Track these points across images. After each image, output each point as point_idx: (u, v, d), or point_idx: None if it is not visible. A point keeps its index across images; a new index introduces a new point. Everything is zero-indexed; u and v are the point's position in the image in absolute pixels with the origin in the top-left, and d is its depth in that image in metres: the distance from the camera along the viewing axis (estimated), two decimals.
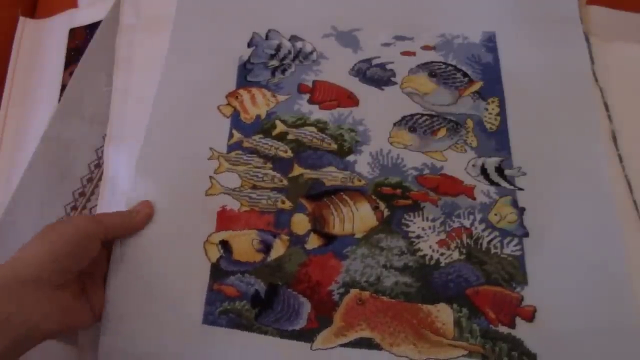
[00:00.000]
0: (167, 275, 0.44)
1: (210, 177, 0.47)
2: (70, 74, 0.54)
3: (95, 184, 0.49)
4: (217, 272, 0.44)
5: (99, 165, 0.50)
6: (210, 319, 0.42)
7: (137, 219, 0.44)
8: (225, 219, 0.46)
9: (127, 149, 0.49)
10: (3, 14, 0.59)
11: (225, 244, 0.45)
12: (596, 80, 0.50)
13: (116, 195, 0.48)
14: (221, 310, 0.42)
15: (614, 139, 0.48)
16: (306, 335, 0.42)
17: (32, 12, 0.61)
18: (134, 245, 0.44)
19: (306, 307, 0.42)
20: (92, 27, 0.56)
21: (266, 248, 0.45)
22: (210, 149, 0.49)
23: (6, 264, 0.36)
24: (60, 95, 0.54)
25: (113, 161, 0.49)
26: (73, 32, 0.57)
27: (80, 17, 0.58)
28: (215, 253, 0.44)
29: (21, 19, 0.59)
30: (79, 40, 0.56)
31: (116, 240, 0.44)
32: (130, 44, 0.54)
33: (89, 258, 0.40)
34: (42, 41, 0.58)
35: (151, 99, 0.51)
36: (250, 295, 0.43)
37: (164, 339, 0.42)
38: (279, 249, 0.45)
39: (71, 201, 0.49)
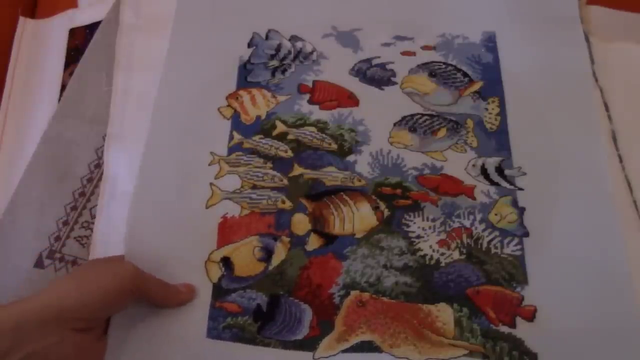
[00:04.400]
0: None
1: (211, 184, 0.47)
2: (70, 74, 0.54)
3: (95, 184, 0.49)
4: (219, 291, 0.43)
5: (99, 165, 0.50)
6: (214, 333, 0.42)
7: (179, 298, 0.42)
8: (226, 230, 0.45)
9: (127, 149, 0.49)
10: (3, 14, 0.58)
11: (226, 261, 0.44)
12: (596, 80, 0.50)
13: (116, 195, 0.48)
14: (224, 325, 0.42)
15: (614, 139, 0.48)
16: (308, 344, 0.41)
17: (32, 12, 0.61)
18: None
19: (308, 314, 0.42)
20: (92, 27, 0.56)
21: (267, 255, 0.44)
22: (211, 153, 0.48)
23: (33, 299, 0.35)
24: (60, 95, 0.53)
25: (113, 161, 0.49)
26: (73, 32, 0.57)
27: (80, 17, 0.58)
28: (217, 272, 0.44)
29: (21, 19, 0.59)
30: (79, 40, 0.56)
31: None
32: (130, 44, 0.54)
33: (118, 310, 0.40)
34: (42, 41, 0.58)
35: (151, 98, 0.51)
36: (252, 310, 0.43)
37: (169, 353, 0.41)
38: (280, 252, 0.44)
39: (71, 201, 0.49)
